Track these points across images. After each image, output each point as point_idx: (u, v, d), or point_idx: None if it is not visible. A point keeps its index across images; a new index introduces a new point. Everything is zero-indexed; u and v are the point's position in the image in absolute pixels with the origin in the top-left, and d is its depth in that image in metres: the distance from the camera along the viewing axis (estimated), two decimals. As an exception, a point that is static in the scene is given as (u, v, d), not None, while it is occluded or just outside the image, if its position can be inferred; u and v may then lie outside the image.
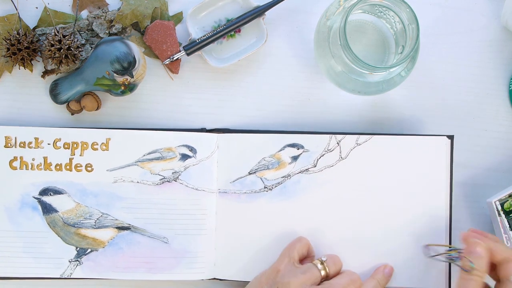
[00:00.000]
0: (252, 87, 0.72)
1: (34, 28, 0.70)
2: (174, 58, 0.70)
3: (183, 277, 0.68)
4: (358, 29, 0.68)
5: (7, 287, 0.69)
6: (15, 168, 0.68)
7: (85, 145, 0.68)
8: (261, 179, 0.69)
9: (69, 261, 0.67)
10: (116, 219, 0.68)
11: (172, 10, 0.71)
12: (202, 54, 0.70)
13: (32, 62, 0.69)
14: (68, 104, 0.70)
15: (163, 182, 0.68)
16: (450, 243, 0.68)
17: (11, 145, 0.68)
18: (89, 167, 0.68)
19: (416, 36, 0.61)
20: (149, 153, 0.69)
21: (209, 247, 0.68)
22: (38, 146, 0.68)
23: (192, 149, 0.69)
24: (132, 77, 0.65)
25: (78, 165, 0.68)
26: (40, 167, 0.68)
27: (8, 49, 0.67)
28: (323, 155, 0.69)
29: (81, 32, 0.70)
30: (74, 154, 0.68)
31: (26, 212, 0.68)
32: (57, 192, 0.68)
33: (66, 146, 0.68)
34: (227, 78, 0.72)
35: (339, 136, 0.69)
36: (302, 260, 0.66)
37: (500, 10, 0.72)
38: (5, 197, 0.68)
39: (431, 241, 0.67)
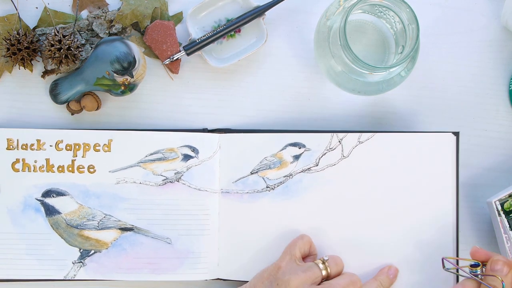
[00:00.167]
0: (252, 87, 0.72)
1: (34, 28, 0.70)
2: (174, 58, 0.70)
3: (187, 277, 0.68)
4: (358, 29, 0.68)
5: (10, 288, 0.69)
6: (17, 170, 0.68)
7: (87, 147, 0.68)
8: (263, 178, 0.69)
9: (73, 263, 0.67)
10: (119, 220, 0.68)
11: (172, 10, 0.71)
12: (202, 54, 0.70)
13: (32, 62, 0.69)
14: (68, 104, 0.70)
15: (165, 183, 0.69)
16: (457, 243, 0.66)
17: (13, 147, 0.68)
18: (91, 169, 0.68)
19: (416, 36, 0.61)
20: (151, 154, 0.69)
21: (212, 247, 0.68)
22: (40, 148, 0.68)
23: (194, 150, 0.69)
24: (132, 77, 0.65)
25: (81, 167, 0.68)
26: (42, 169, 0.68)
27: (8, 49, 0.67)
28: (325, 153, 0.68)
29: (81, 32, 0.70)
30: (76, 156, 0.68)
31: (29, 214, 0.68)
32: (59, 193, 0.68)
33: (68, 147, 0.68)
34: (227, 78, 0.72)
35: (341, 135, 0.68)
36: (304, 258, 0.66)
37: (500, 10, 0.72)
38: (8, 199, 0.67)
39: (437, 242, 0.66)
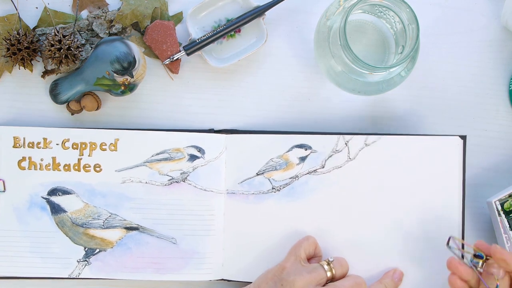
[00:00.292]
0: (252, 87, 0.72)
1: (34, 28, 0.70)
2: (174, 58, 0.70)
3: (191, 277, 0.68)
4: (358, 29, 0.68)
5: (15, 286, 0.69)
6: (23, 168, 0.68)
7: (93, 146, 0.68)
8: (269, 180, 0.69)
9: (78, 261, 0.68)
10: (125, 220, 0.68)
11: (172, 10, 0.71)
12: (202, 54, 0.70)
13: (32, 62, 0.69)
14: (68, 104, 0.70)
15: (171, 183, 0.69)
16: (462, 246, 0.65)
17: (19, 145, 0.68)
18: (97, 168, 0.68)
19: (416, 36, 0.61)
20: (158, 154, 0.69)
21: (217, 247, 0.68)
22: (47, 147, 0.68)
23: (200, 150, 0.69)
24: (132, 77, 0.65)
25: (87, 166, 0.68)
26: (48, 167, 0.68)
27: (8, 49, 0.67)
28: (331, 156, 0.68)
29: (81, 32, 0.70)
30: (83, 155, 0.68)
31: (34, 212, 0.68)
32: (65, 192, 0.68)
33: (74, 146, 0.68)
34: (227, 78, 0.72)
35: (347, 137, 0.68)
36: (309, 260, 0.66)
37: (500, 10, 0.72)
38: (14, 197, 0.68)
39: (443, 245, 0.65)
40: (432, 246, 0.67)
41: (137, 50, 0.66)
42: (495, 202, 0.67)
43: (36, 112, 0.71)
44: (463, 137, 0.67)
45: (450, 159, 0.67)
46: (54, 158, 0.68)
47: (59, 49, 0.66)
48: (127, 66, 0.64)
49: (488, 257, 0.60)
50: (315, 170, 0.68)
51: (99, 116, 0.71)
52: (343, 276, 0.64)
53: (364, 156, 0.68)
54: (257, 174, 0.69)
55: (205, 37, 0.69)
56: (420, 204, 0.67)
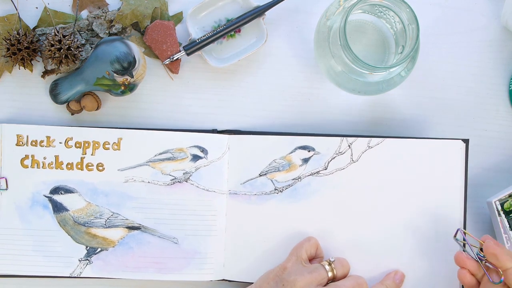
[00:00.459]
0: (252, 87, 0.72)
1: (34, 28, 0.70)
2: (174, 58, 0.70)
3: (193, 277, 0.68)
4: (358, 29, 0.68)
5: (17, 285, 0.69)
6: (26, 167, 0.68)
7: (96, 145, 0.68)
8: (271, 181, 0.69)
9: (79, 260, 0.68)
10: (127, 219, 0.68)
11: (172, 10, 0.71)
12: (202, 54, 0.70)
13: (32, 62, 0.69)
14: (68, 104, 0.70)
15: (174, 183, 0.69)
16: (464, 249, 0.65)
17: (22, 143, 0.68)
18: (100, 167, 0.68)
19: (416, 36, 0.61)
20: (161, 154, 0.69)
21: (219, 248, 0.68)
22: (50, 145, 0.68)
23: (203, 150, 0.69)
24: (132, 77, 0.65)
25: (90, 164, 0.68)
26: (51, 165, 0.68)
27: (8, 49, 0.67)
28: (334, 157, 0.68)
29: (81, 32, 0.70)
30: (86, 153, 0.68)
31: (36, 211, 0.68)
32: (68, 191, 0.68)
33: (77, 145, 0.68)
34: (227, 78, 0.72)
35: (351, 139, 0.68)
36: (310, 261, 0.66)
37: (500, 10, 0.72)
38: (17, 195, 0.68)
39: (444, 248, 0.66)
40: (434, 248, 0.67)
41: (137, 50, 0.66)
42: (495, 202, 0.67)
43: (36, 112, 0.71)
44: (466, 141, 0.68)
45: (452, 162, 0.67)
46: (57, 157, 0.68)
47: (59, 49, 0.66)
48: (127, 66, 0.64)
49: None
50: (317, 172, 0.68)
51: (99, 116, 0.71)
52: (344, 277, 0.64)
53: (367, 158, 0.68)
54: (260, 175, 0.69)
55: (205, 37, 0.69)
56: (422, 206, 0.67)
